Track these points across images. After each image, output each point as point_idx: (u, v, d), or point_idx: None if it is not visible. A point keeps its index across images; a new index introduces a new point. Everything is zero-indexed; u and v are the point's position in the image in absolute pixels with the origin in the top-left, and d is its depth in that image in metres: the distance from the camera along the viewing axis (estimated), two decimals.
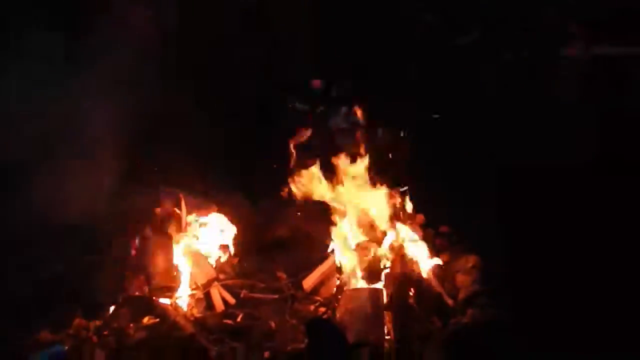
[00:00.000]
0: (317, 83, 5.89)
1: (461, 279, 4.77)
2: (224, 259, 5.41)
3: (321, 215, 5.24)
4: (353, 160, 5.25)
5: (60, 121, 5.23)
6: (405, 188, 5.18)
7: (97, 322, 4.51)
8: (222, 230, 5.49)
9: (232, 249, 5.52)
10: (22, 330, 4.31)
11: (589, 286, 4.51)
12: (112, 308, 4.64)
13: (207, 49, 7.13)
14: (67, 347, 4.20)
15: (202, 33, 7.14)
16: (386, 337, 4.25)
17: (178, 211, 5.25)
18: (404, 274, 4.60)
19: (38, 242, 4.86)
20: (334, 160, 5.33)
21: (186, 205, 5.31)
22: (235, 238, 5.54)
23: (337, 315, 4.55)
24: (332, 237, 5.12)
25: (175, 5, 6.49)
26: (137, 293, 4.77)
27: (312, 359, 3.92)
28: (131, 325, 4.46)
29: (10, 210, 4.84)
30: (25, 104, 5.28)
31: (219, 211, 5.54)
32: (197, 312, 4.81)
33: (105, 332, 4.41)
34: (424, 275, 4.78)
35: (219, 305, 4.90)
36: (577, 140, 6.17)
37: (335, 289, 4.93)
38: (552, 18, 7.18)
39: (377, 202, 5.07)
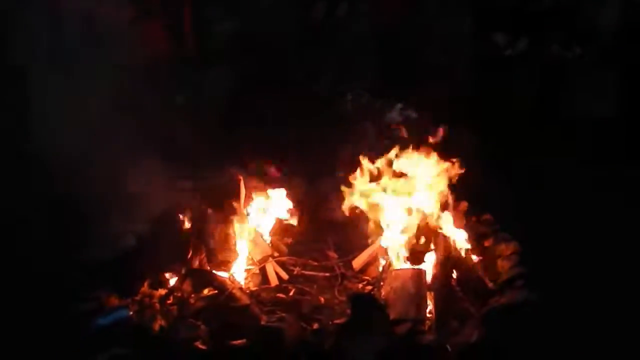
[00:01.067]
0: None
1: (501, 264, 4.91)
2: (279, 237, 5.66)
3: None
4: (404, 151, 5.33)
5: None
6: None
7: (162, 292, 4.77)
8: (280, 211, 5.72)
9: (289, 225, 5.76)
10: (92, 296, 4.53)
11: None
12: (175, 279, 4.90)
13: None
14: (131, 312, 4.45)
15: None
16: (427, 315, 4.45)
17: (238, 191, 5.44)
18: (446, 258, 4.76)
19: (115, 217, 5.12)
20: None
21: (245, 185, 5.52)
22: (292, 218, 5.77)
23: (382, 293, 4.76)
24: (381, 221, 5.23)
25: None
26: (199, 266, 5.04)
27: (354, 330, 4.10)
28: (192, 295, 4.72)
29: (91, 184, 5.12)
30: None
31: (276, 192, 5.75)
32: (252, 286, 5.08)
33: (169, 301, 4.69)
34: (466, 259, 4.93)
35: (273, 280, 5.17)
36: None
37: (381, 268, 5.10)
38: None
39: (424, 189, 5.17)
